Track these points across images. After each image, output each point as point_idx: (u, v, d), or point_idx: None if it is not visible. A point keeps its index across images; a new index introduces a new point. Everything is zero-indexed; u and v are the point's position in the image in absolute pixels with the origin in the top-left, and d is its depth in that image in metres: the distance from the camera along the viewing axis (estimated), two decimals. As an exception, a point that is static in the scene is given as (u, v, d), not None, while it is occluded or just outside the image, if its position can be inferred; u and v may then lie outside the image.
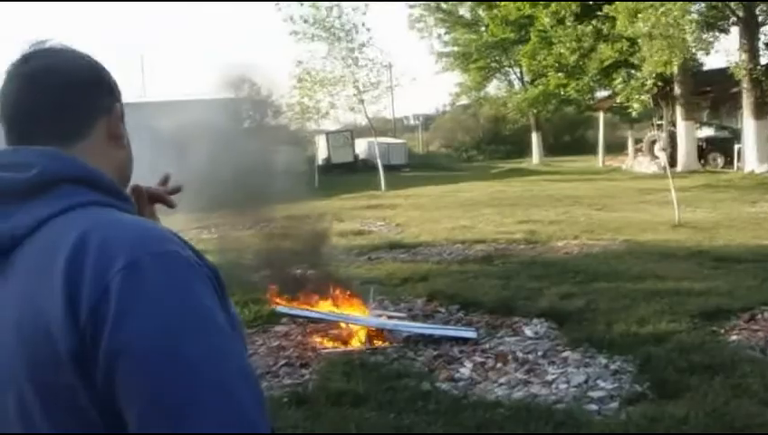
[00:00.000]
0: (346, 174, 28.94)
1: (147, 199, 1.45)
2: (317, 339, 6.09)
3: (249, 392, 0.98)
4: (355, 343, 5.92)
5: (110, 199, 1.11)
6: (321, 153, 31.40)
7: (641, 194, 17.49)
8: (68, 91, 1.17)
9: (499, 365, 5.30)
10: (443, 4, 34.60)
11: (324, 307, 6.60)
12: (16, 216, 1.06)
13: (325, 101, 24.04)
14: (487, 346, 5.71)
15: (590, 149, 36.64)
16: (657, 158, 24.88)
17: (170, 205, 1.52)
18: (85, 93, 1.19)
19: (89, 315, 0.95)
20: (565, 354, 5.41)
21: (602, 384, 4.80)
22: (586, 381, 4.87)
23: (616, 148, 33.23)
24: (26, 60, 1.17)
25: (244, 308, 7.08)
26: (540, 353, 5.47)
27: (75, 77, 1.18)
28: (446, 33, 36.26)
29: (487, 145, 42.74)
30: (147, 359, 0.93)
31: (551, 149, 38.42)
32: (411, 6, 33.37)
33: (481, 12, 34.82)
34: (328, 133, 31.30)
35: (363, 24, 23.25)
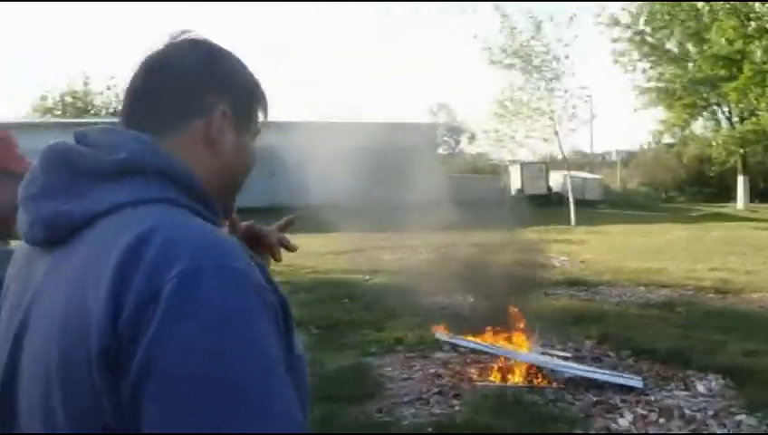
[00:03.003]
0: (538, 206, 28.50)
1: (240, 233, 1.41)
2: (474, 370, 5.99)
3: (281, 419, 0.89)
4: (513, 379, 5.76)
5: (192, 203, 1.05)
6: (515, 183, 31.18)
7: None
8: (168, 84, 1.12)
9: (662, 420, 4.92)
10: (649, 38, 33.06)
11: (486, 338, 6.49)
12: (92, 195, 1.01)
13: (521, 131, 23.88)
14: (653, 398, 5.34)
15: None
16: None
17: (274, 256, 1.46)
18: (184, 89, 1.12)
19: (131, 317, 0.88)
20: (739, 418, 4.93)
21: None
22: (758, 451, 4.42)
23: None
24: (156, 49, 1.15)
25: (409, 332, 7.14)
26: (710, 413, 5.03)
27: (179, 71, 1.13)
28: (650, 68, 34.66)
29: (689, 186, 40.36)
30: (180, 381, 0.86)
31: (758, 194, 35.55)
32: (615, 41, 32.13)
33: (690, 47, 32.98)
34: (522, 164, 31.06)
35: (567, 57, 22.91)
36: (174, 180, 1.04)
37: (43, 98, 40.52)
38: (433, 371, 6.06)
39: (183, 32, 1.17)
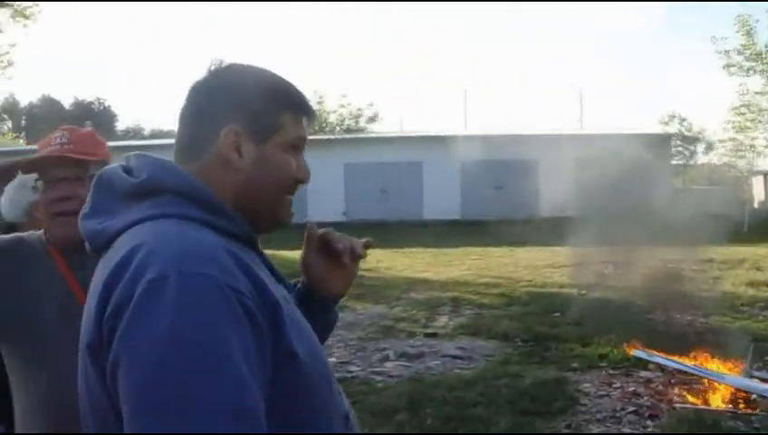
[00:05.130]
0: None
1: (315, 243, 1.48)
2: (677, 391, 5.80)
3: (218, 400, 0.97)
4: (716, 403, 5.51)
5: (209, 217, 1.17)
6: (758, 195, 28.71)
7: None
8: (188, 115, 1.27)
9: None
10: None
11: (692, 359, 6.23)
12: (121, 214, 1.18)
13: (761, 139, 22.02)
14: None
15: None
16: None
17: (340, 259, 1.48)
18: (200, 114, 1.26)
19: (109, 319, 1.03)
20: None
21: None
22: None
23: None
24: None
25: (615, 348, 7.02)
26: None
27: (199, 98, 1.27)
28: None
29: None
30: (134, 375, 0.99)
31: None
32: None
33: None
34: (766, 175, 28.52)
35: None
36: (191, 198, 1.17)
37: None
38: (632, 389, 5.95)
39: (220, 60, 1.29)
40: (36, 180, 1.92)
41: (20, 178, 1.93)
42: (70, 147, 1.91)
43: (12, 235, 2.02)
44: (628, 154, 16.05)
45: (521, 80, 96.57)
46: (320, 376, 1.19)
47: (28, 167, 1.92)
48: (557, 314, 8.92)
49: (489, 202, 24.34)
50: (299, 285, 1.51)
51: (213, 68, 1.28)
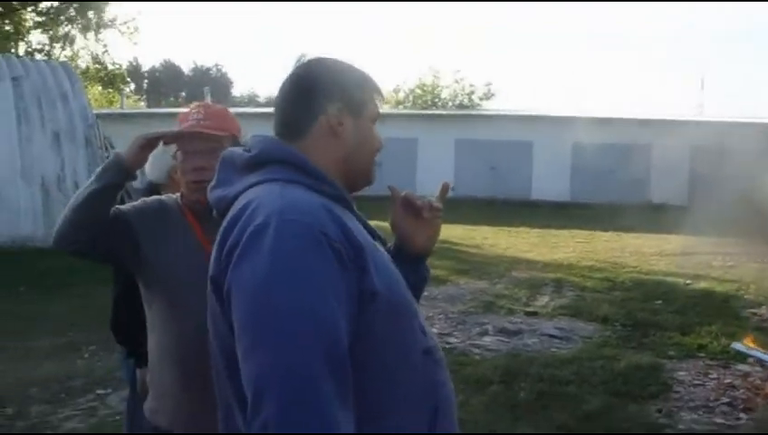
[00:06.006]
0: None
1: (399, 204, 1.69)
2: (776, 387, 5.79)
3: (312, 342, 1.18)
4: (816, 401, 5.49)
5: (307, 180, 1.41)
6: None
7: None
8: (294, 95, 1.52)
9: None
10: None
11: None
12: (238, 182, 1.44)
13: None
14: None
15: None
16: None
17: (421, 213, 1.67)
18: (304, 97, 1.50)
19: (226, 255, 1.30)
20: None
21: None
22: None
23: None
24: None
25: (715, 340, 7.02)
26: None
27: (302, 84, 1.51)
28: None
29: None
30: (244, 296, 1.24)
31: None
32: None
33: None
34: None
35: None
36: (293, 166, 1.43)
37: (396, 90, 44.33)
38: (729, 381, 5.97)
39: (304, 55, 1.56)
40: (176, 151, 2.22)
41: (162, 146, 2.23)
42: (206, 123, 2.17)
43: (153, 198, 2.34)
44: (746, 143, 15.53)
45: (641, 62, 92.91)
46: (400, 314, 1.39)
47: (170, 139, 2.19)
48: (659, 302, 8.90)
49: (600, 186, 23.96)
50: (391, 246, 1.70)
51: (305, 59, 1.54)
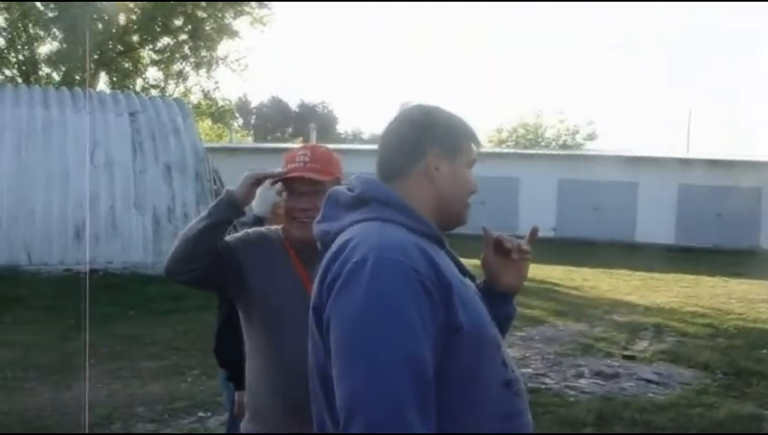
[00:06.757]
0: None
1: (490, 244, 1.79)
2: None
3: (400, 368, 1.32)
4: None
5: (404, 219, 1.53)
6: None
7: None
8: (395, 139, 1.65)
9: None
10: None
11: None
12: (341, 219, 1.57)
13: None
14: None
15: None
16: None
17: (508, 254, 1.77)
18: (406, 143, 1.63)
19: (328, 287, 1.44)
20: None
21: None
22: None
23: None
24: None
25: None
26: None
27: (403, 130, 1.65)
28: None
29: None
30: (342, 324, 1.39)
31: None
32: None
33: None
34: None
35: None
36: (392, 206, 1.55)
37: (499, 130, 44.42)
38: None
39: (408, 102, 1.73)
40: (283, 190, 2.39)
41: (268, 183, 2.39)
42: (312, 165, 2.31)
43: (255, 229, 2.48)
44: None
45: (746, 100, 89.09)
46: (483, 346, 1.50)
47: (278, 179, 2.34)
48: (764, 351, 8.64)
49: (706, 229, 23.24)
50: (480, 283, 1.80)
51: (409, 106, 1.69)
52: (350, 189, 1.63)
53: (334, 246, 1.50)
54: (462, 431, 1.45)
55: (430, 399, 1.36)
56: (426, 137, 1.62)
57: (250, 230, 2.47)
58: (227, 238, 2.34)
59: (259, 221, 3.49)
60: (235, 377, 3.26)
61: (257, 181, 2.31)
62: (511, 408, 1.56)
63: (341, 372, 1.37)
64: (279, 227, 2.45)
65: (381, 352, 1.34)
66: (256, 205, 3.52)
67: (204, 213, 2.29)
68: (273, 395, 2.27)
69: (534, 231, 1.88)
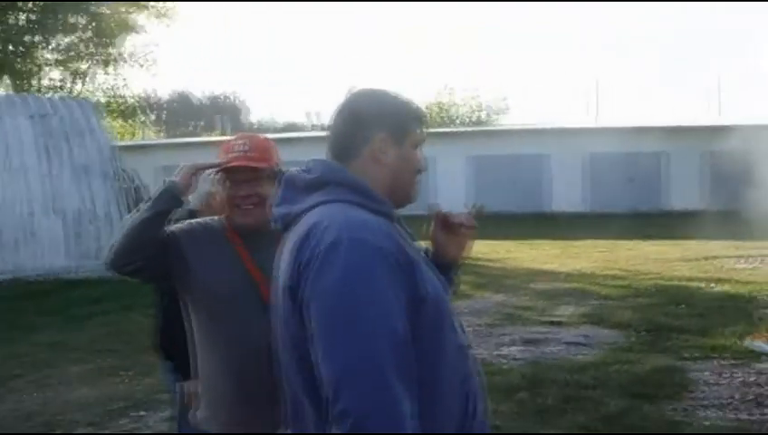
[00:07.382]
0: None
1: (439, 223, 1.94)
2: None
3: (382, 342, 1.40)
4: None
5: (362, 200, 1.59)
6: None
7: None
8: (344, 123, 1.70)
9: None
10: None
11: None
12: (301, 201, 1.62)
13: None
14: None
15: None
16: None
17: (455, 230, 1.94)
18: (354, 125, 1.68)
19: (303, 268, 1.49)
20: None
21: None
22: None
23: None
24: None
25: (737, 341, 7.13)
26: None
27: (352, 113, 1.69)
28: None
29: None
30: (323, 304, 1.45)
31: None
32: None
33: None
34: None
35: None
36: (348, 187, 1.61)
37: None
38: (753, 379, 6.06)
39: (354, 87, 1.75)
40: (224, 180, 2.40)
41: (206, 175, 2.45)
42: (252, 154, 2.37)
43: (197, 220, 2.52)
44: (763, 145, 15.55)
45: (652, 70, 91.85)
46: (442, 314, 1.60)
47: (218, 168, 2.39)
48: (682, 307, 9.05)
49: (619, 195, 24.00)
50: (427, 253, 1.90)
51: (355, 90, 1.75)
52: (306, 172, 1.68)
53: (302, 228, 1.55)
54: (429, 395, 1.51)
55: (412, 370, 1.45)
56: (373, 122, 1.67)
57: (193, 220, 2.50)
58: (170, 228, 2.36)
59: (192, 215, 3.45)
60: (182, 368, 3.23)
61: (196, 171, 2.36)
62: (465, 370, 1.65)
63: (326, 351, 1.43)
64: (222, 217, 2.47)
65: (365, 328, 1.42)
66: (193, 197, 3.49)
67: (145, 204, 2.31)
68: (227, 382, 2.29)
69: (480, 208, 2.02)
